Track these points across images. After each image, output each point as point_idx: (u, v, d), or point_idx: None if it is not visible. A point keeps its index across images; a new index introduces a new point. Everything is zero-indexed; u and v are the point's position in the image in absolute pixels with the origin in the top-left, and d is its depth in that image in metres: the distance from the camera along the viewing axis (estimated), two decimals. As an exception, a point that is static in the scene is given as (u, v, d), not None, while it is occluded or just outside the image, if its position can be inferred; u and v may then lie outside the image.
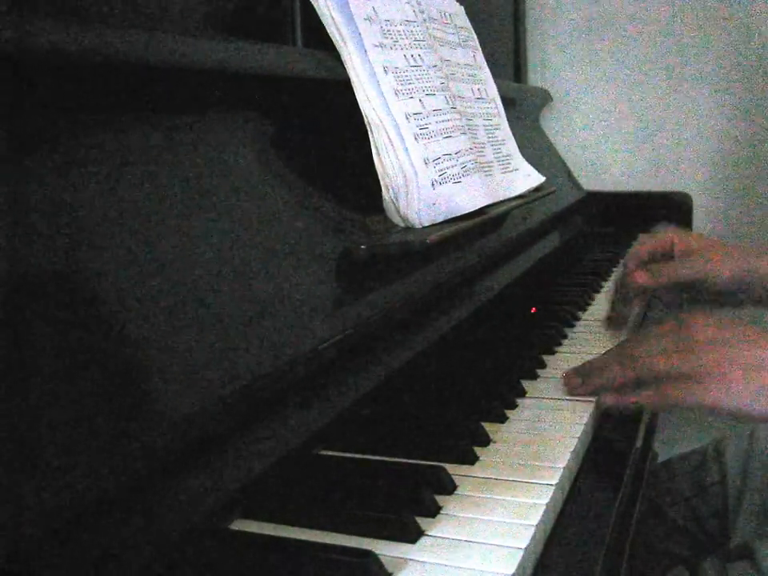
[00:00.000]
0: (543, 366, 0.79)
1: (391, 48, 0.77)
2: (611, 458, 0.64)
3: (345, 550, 0.44)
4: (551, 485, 0.53)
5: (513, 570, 0.43)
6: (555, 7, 1.74)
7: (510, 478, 0.54)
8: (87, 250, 0.43)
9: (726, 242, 0.92)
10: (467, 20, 1.05)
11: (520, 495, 0.51)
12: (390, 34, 0.78)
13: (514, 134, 1.08)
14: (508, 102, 1.14)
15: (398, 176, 0.73)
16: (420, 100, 0.79)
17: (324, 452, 0.60)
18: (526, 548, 0.45)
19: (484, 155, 0.94)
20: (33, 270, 0.39)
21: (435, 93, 0.83)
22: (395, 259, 0.69)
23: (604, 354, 0.72)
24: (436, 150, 0.78)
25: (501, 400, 0.68)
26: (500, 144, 1.02)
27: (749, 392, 0.60)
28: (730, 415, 0.62)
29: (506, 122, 1.07)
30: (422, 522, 0.47)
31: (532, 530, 0.47)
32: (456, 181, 0.80)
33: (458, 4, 1.04)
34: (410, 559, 0.44)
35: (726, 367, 0.62)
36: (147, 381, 0.42)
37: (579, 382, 0.70)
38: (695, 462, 1.01)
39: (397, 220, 0.74)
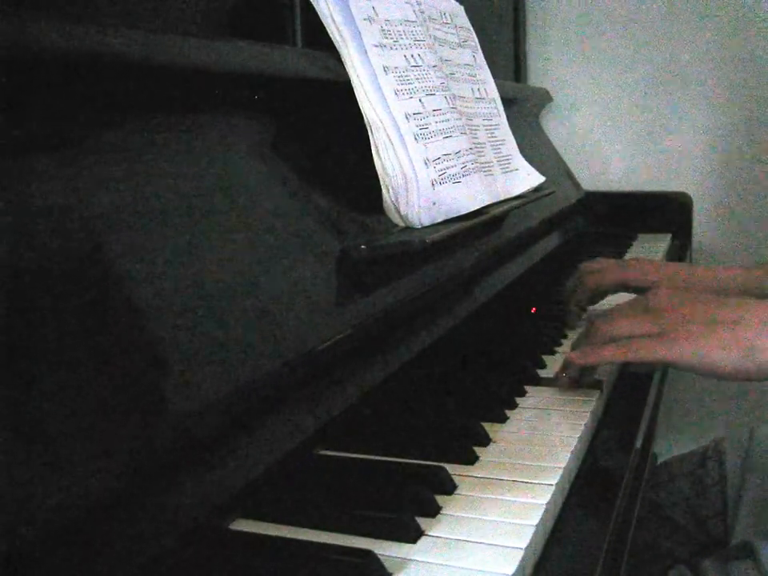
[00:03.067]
0: (543, 366, 0.79)
1: (391, 48, 0.77)
2: (611, 459, 0.64)
3: (345, 550, 0.44)
4: (551, 485, 0.53)
5: (513, 570, 0.43)
6: (555, 7, 1.74)
7: (510, 478, 0.54)
8: (87, 250, 0.43)
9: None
10: (467, 20, 1.05)
11: (520, 495, 0.51)
12: (390, 34, 0.78)
13: (514, 134, 1.08)
14: (508, 102, 1.14)
15: (398, 176, 0.73)
16: (420, 100, 0.79)
17: (324, 452, 0.60)
18: (526, 548, 0.45)
19: (484, 155, 0.94)
20: (33, 270, 0.39)
21: (435, 93, 0.83)
22: (395, 259, 0.69)
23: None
24: (436, 150, 0.78)
25: (501, 400, 0.68)
26: (500, 144, 1.02)
27: (710, 346, 0.63)
28: (692, 369, 0.65)
29: (506, 121, 1.07)
30: (422, 521, 0.47)
31: (532, 530, 0.47)
32: (456, 181, 0.80)
33: (457, 4, 1.03)
34: (410, 559, 0.44)
35: (688, 324, 0.65)
36: (147, 381, 0.42)
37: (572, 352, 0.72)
38: (695, 463, 1.01)
39: (397, 220, 0.74)
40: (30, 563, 0.34)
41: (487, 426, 0.62)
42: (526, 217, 1.10)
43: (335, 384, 0.59)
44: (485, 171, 0.91)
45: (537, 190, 1.08)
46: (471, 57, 1.02)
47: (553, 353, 0.84)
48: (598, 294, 0.97)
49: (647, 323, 0.67)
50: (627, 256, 1.40)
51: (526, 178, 1.06)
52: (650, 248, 1.47)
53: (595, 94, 1.74)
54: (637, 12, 1.68)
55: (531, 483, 0.53)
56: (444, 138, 0.81)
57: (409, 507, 0.48)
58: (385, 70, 0.75)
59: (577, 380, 0.71)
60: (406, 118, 0.75)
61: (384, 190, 0.73)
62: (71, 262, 0.42)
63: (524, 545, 0.45)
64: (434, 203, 0.76)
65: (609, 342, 0.69)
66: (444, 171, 0.79)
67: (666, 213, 1.64)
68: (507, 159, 1.03)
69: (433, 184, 0.76)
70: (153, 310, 0.45)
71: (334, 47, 0.72)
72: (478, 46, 1.06)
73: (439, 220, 0.77)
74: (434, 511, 0.49)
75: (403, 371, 0.68)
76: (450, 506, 0.50)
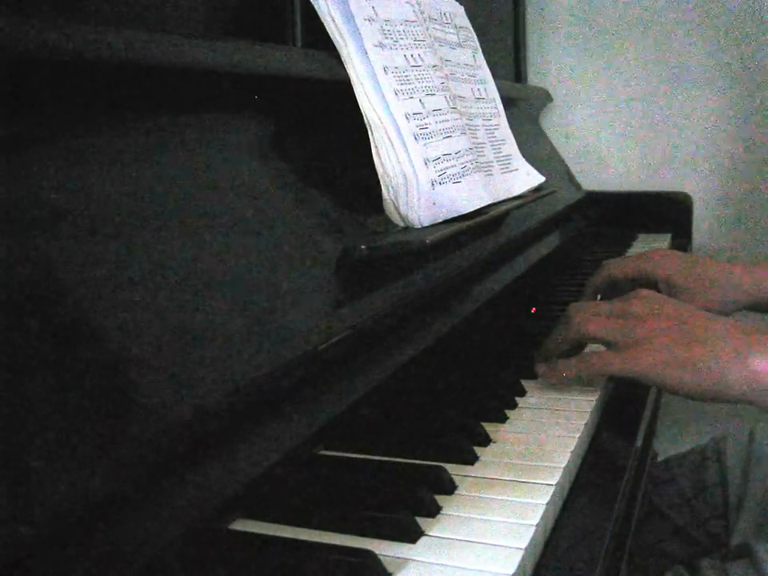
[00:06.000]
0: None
1: (391, 48, 0.77)
2: (611, 458, 0.64)
3: (345, 549, 0.44)
4: (551, 485, 0.53)
5: (513, 569, 0.43)
6: (555, 7, 1.74)
7: (510, 478, 0.54)
8: (86, 249, 0.43)
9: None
10: (467, 20, 1.05)
11: (520, 495, 0.51)
12: (390, 34, 0.78)
13: (513, 134, 1.08)
14: (508, 102, 1.14)
15: (398, 176, 0.73)
16: (420, 100, 0.79)
17: (324, 452, 0.60)
18: (525, 548, 0.45)
19: (484, 155, 0.94)
20: (29, 271, 0.39)
21: (435, 93, 0.83)
22: (395, 259, 0.69)
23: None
24: (436, 150, 0.78)
25: (501, 400, 0.68)
26: (500, 144, 1.02)
27: (669, 364, 0.63)
28: (650, 384, 0.65)
29: (506, 121, 1.07)
30: (422, 521, 0.47)
31: (532, 530, 0.47)
32: (456, 181, 0.80)
33: (457, 4, 1.03)
34: (410, 559, 0.44)
35: (657, 339, 0.64)
36: (147, 381, 0.42)
37: (541, 363, 0.73)
38: (695, 462, 1.01)
39: (397, 220, 0.74)
40: (28, 563, 0.34)
41: (487, 425, 0.62)
42: (526, 217, 1.10)
43: (335, 384, 0.59)
44: (485, 171, 0.91)
45: (537, 190, 1.08)
46: (471, 57, 1.02)
47: (553, 353, 0.84)
48: (614, 286, 0.96)
49: (618, 331, 0.66)
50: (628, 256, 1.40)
51: (526, 177, 1.06)
52: (650, 248, 1.46)
53: (595, 94, 1.74)
54: (636, 12, 1.68)
55: (531, 483, 0.53)
56: (444, 137, 0.81)
57: (409, 507, 0.48)
58: (385, 70, 0.75)
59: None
60: (406, 117, 0.75)
61: (384, 190, 0.73)
62: (72, 260, 0.42)
63: (524, 545, 0.45)
64: (434, 203, 0.76)
65: (577, 340, 0.71)
66: (444, 171, 0.79)
67: (666, 213, 1.64)
68: (507, 159, 1.03)
69: (433, 184, 0.76)
70: (152, 309, 0.45)
71: (334, 47, 0.72)
72: (478, 46, 1.06)
73: (439, 220, 0.77)
74: (434, 511, 0.49)
75: (403, 371, 0.68)
76: (450, 506, 0.50)
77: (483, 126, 0.98)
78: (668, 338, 0.64)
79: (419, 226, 0.74)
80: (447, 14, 0.98)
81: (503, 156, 1.02)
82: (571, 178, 1.61)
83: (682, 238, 1.60)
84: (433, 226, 0.75)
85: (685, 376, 0.62)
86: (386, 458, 0.58)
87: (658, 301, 0.70)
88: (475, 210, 0.82)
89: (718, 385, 0.62)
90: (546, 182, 1.12)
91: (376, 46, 0.75)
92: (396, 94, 0.75)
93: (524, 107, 1.49)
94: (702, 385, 0.62)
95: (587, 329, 0.69)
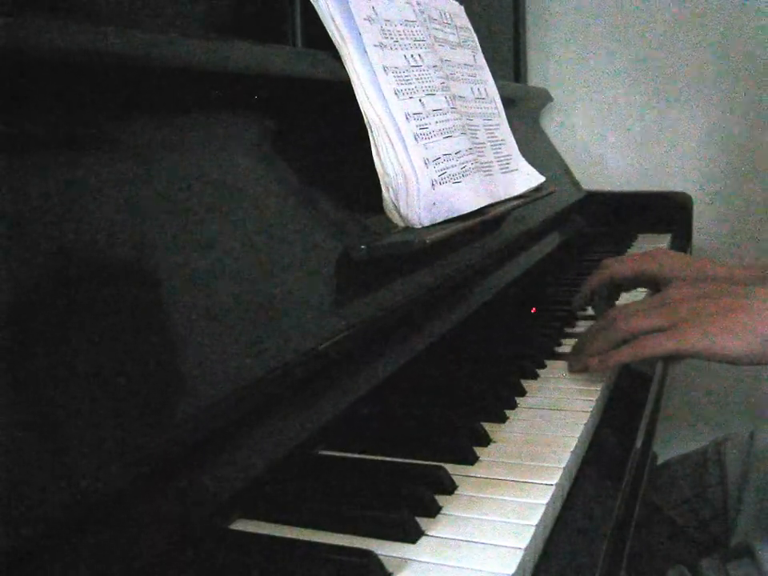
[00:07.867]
0: (543, 366, 0.79)
1: (391, 48, 0.77)
2: (611, 459, 0.64)
3: (345, 549, 0.44)
4: (551, 485, 0.53)
5: (513, 570, 0.43)
6: (555, 7, 1.74)
7: (510, 478, 0.54)
8: (87, 249, 0.43)
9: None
10: (467, 20, 1.05)
11: (520, 495, 0.51)
12: (390, 34, 0.78)
13: (514, 134, 1.08)
14: (508, 102, 1.14)
15: (398, 176, 0.73)
16: (420, 100, 0.79)
17: (324, 452, 0.60)
18: (526, 548, 0.45)
19: (484, 155, 0.94)
20: (36, 270, 0.39)
21: (435, 93, 0.83)
22: (395, 259, 0.69)
23: (591, 325, 0.77)
24: (436, 150, 0.78)
25: (501, 400, 0.68)
26: (500, 144, 1.02)
27: (719, 331, 0.65)
28: (701, 356, 0.66)
29: (506, 121, 1.07)
30: (422, 522, 0.47)
31: (532, 530, 0.47)
32: (456, 181, 0.80)
33: (457, 4, 1.04)
34: (410, 559, 0.44)
35: (699, 313, 0.67)
36: (147, 381, 0.42)
37: (576, 360, 0.75)
38: (695, 464, 1.01)
39: (397, 220, 0.74)
40: (29, 562, 0.34)
41: (487, 426, 0.62)
42: (526, 217, 1.10)
43: (335, 384, 0.59)
44: (485, 171, 0.91)
45: (537, 190, 1.08)
46: (471, 57, 1.02)
47: (553, 353, 0.84)
48: (614, 285, 0.96)
49: (661, 317, 0.69)
50: (627, 256, 1.40)
51: (525, 177, 1.06)
52: (650, 248, 1.46)
53: (595, 94, 1.74)
54: (636, 12, 1.68)
55: (531, 483, 0.53)
56: (444, 138, 0.81)
57: (409, 507, 0.48)
58: (385, 70, 0.75)
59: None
60: (406, 118, 0.75)
61: (384, 190, 0.73)
62: (71, 261, 0.42)
63: (524, 545, 0.45)
64: (434, 203, 0.76)
65: (623, 338, 0.71)
66: (444, 171, 0.79)
67: (666, 213, 1.64)
68: (507, 159, 1.03)
69: (433, 184, 0.76)
70: (152, 310, 0.45)
71: (334, 47, 0.72)
72: (478, 46, 1.06)
73: (439, 220, 0.77)
74: (434, 511, 0.49)
75: (403, 371, 0.68)
76: (450, 506, 0.50)
77: (483, 125, 0.98)
78: (711, 310, 0.66)
79: (419, 226, 0.74)
80: (447, 14, 0.98)
81: (503, 156, 1.02)
82: (571, 178, 1.61)
83: (682, 239, 1.60)
84: (433, 226, 0.75)
85: (734, 343, 0.64)
86: (386, 458, 0.58)
87: (694, 286, 0.72)
88: (475, 210, 0.82)
89: (765, 345, 0.64)
90: (545, 181, 1.12)
91: (376, 46, 0.75)
92: (396, 93, 0.75)
93: (524, 107, 1.49)
94: (751, 348, 0.64)
95: (632, 325, 0.70)
